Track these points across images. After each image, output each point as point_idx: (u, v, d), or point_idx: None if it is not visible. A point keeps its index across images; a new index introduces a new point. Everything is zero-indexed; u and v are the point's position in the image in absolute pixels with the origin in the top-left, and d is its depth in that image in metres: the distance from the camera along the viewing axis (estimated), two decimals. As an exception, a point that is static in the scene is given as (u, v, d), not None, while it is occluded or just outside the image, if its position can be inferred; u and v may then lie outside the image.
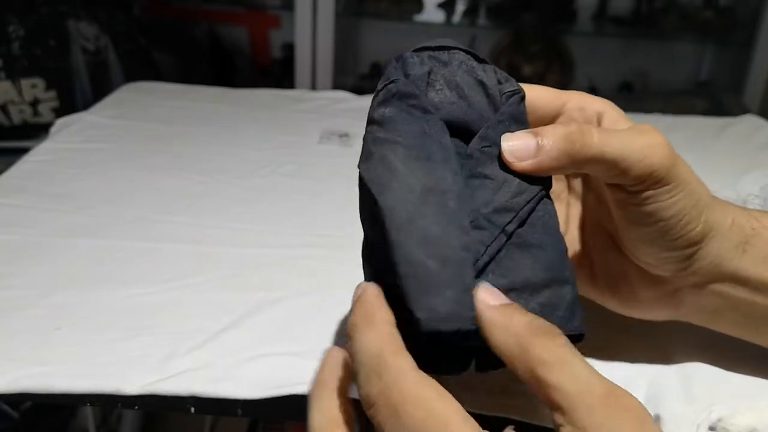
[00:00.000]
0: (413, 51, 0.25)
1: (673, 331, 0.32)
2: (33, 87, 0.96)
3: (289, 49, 1.26)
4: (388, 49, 1.32)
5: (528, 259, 0.23)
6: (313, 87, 1.16)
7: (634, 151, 0.24)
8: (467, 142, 0.24)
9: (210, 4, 1.33)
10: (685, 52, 1.34)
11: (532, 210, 0.24)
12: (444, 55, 0.25)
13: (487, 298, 0.20)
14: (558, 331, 0.19)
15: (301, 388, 0.29)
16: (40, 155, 0.52)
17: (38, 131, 0.91)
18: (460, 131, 0.24)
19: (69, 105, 0.97)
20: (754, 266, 0.26)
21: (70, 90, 0.99)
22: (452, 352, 0.22)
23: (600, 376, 0.18)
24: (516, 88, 0.25)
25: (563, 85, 1.29)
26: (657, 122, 0.66)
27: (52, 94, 0.97)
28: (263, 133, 0.59)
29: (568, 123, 0.25)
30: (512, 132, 0.24)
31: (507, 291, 0.22)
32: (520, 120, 0.25)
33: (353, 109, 0.66)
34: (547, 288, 0.23)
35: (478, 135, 0.24)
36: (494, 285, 0.21)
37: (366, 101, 0.68)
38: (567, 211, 0.31)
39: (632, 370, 0.30)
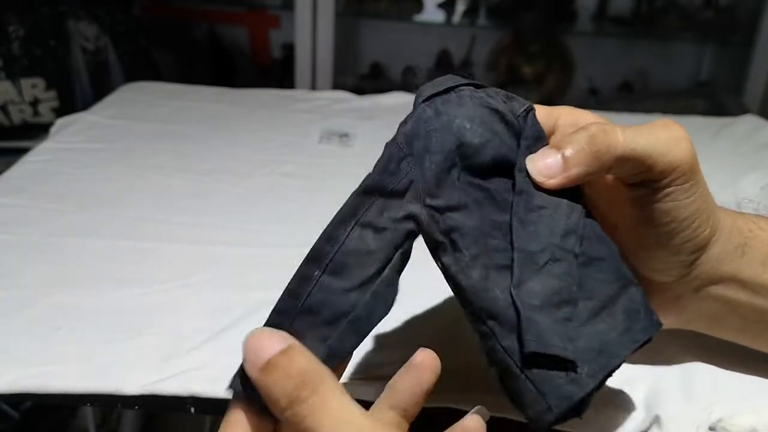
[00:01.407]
0: (423, 103, 0.24)
1: (673, 332, 0.32)
2: (33, 87, 0.96)
3: (289, 49, 1.26)
4: (388, 49, 1.32)
5: (599, 273, 0.24)
6: (313, 87, 1.16)
7: (659, 146, 0.24)
8: (505, 175, 0.24)
9: (210, 4, 1.33)
10: (685, 52, 1.34)
11: (584, 224, 0.24)
12: (454, 97, 0.24)
13: (256, 356, 0.20)
14: (307, 389, 0.19)
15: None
16: (40, 155, 0.52)
17: (38, 131, 0.91)
18: (499, 166, 0.24)
19: (69, 105, 0.97)
20: (752, 268, 0.27)
21: (70, 90, 0.99)
22: None
23: (348, 421, 0.18)
24: (526, 105, 0.25)
25: (563, 85, 1.29)
26: (657, 122, 0.66)
27: (52, 94, 0.97)
28: (263, 133, 0.59)
29: (587, 126, 0.24)
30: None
31: (600, 311, 0.23)
32: (540, 137, 0.25)
33: (353, 109, 0.66)
34: (622, 295, 0.24)
35: (516, 168, 0.24)
36: (587, 309, 0.23)
37: (366, 101, 0.69)
38: None
39: (632, 371, 0.30)
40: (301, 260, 0.23)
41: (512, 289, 0.22)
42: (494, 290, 0.22)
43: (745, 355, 0.30)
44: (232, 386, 0.21)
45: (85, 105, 0.77)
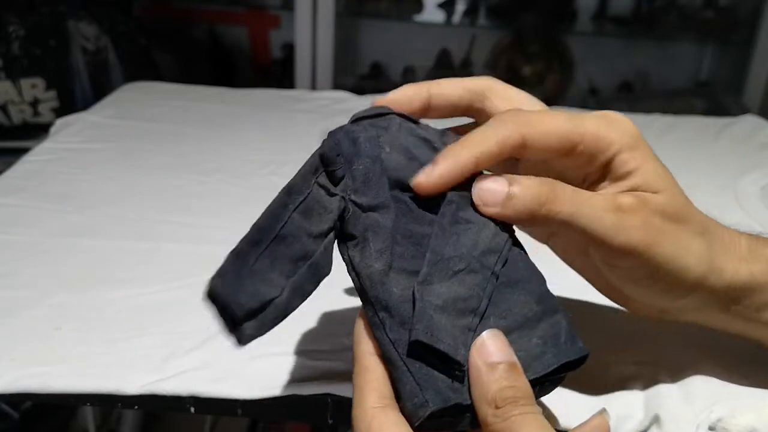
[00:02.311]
0: (351, 122, 0.25)
1: (674, 332, 0.32)
2: (33, 87, 0.96)
3: (289, 49, 1.26)
4: (388, 49, 1.32)
5: (520, 294, 0.23)
6: (313, 87, 1.16)
7: (606, 228, 0.23)
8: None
9: (210, 4, 1.33)
10: (685, 52, 1.34)
11: (510, 248, 0.24)
12: (382, 121, 0.25)
13: (490, 353, 0.21)
14: (522, 400, 0.21)
15: (301, 388, 0.29)
16: (40, 155, 0.52)
17: (38, 131, 0.91)
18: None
19: (69, 105, 0.97)
20: (747, 314, 0.26)
21: (70, 90, 0.99)
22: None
23: None
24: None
25: (563, 85, 1.29)
26: (657, 122, 0.66)
27: (52, 94, 0.97)
28: (263, 133, 0.59)
29: (543, 181, 0.23)
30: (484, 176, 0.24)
31: (511, 331, 0.23)
32: None
33: (353, 109, 0.65)
34: (543, 320, 0.23)
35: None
36: (497, 327, 0.22)
37: (366, 101, 0.69)
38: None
39: (632, 371, 0.30)
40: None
41: (416, 284, 0.22)
42: (392, 287, 0.22)
43: (744, 354, 0.30)
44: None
45: (85, 105, 0.77)
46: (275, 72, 1.32)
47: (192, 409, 0.29)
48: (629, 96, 1.30)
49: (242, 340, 0.22)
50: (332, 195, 0.24)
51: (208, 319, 0.34)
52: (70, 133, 0.56)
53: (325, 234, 0.23)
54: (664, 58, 1.31)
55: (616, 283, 0.26)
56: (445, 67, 1.30)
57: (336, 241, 0.24)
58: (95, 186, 0.48)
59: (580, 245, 0.27)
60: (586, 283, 0.29)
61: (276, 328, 0.35)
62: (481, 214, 0.24)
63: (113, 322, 0.33)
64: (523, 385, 0.21)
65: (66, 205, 0.45)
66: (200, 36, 1.34)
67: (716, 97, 1.20)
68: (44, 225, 0.42)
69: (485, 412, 0.21)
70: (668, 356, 0.31)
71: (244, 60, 1.35)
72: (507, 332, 0.22)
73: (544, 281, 0.24)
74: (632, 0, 1.28)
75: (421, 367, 0.22)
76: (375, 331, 0.23)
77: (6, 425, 0.58)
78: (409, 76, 1.30)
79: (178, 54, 1.25)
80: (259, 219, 0.24)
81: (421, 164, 0.24)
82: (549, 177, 0.24)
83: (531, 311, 0.23)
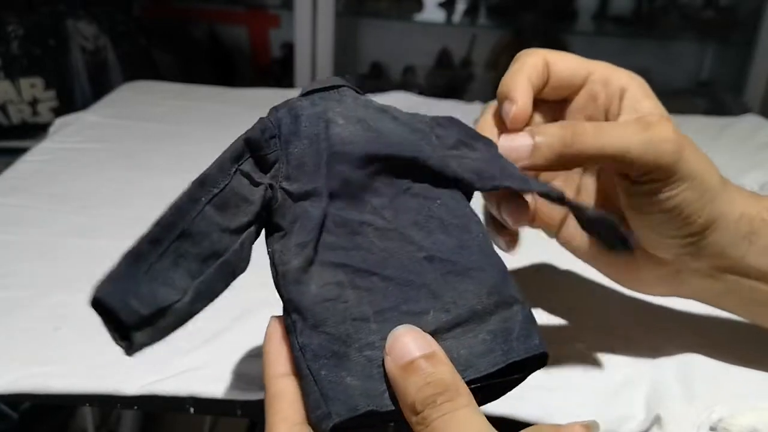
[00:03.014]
0: (301, 95, 0.23)
1: (675, 332, 0.32)
2: (32, 87, 0.96)
3: (288, 48, 1.26)
4: (388, 48, 1.32)
5: (469, 284, 0.21)
6: (313, 87, 1.15)
7: (634, 147, 0.24)
8: (394, 171, 0.22)
9: (210, 4, 1.33)
10: (686, 51, 1.34)
11: (467, 230, 0.22)
12: (335, 95, 0.23)
13: (400, 353, 0.19)
14: (444, 396, 0.18)
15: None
16: (39, 155, 0.52)
17: (37, 131, 0.91)
18: (379, 161, 0.22)
19: (68, 104, 0.97)
20: (759, 257, 0.26)
21: (69, 89, 0.99)
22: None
23: None
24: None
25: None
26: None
27: (51, 93, 0.97)
28: (263, 132, 0.58)
29: (563, 123, 0.25)
30: (475, 150, 0.23)
31: (454, 327, 0.20)
32: (469, 139, 0.24)
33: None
34: (495, 313, 0.21)
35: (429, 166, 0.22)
36: (437, 322, 0.20)
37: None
38: (580, 181, 0.30)
39: (633, 370, 0.30)
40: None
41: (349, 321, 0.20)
42: (310, 284, 0.20)
43: (746, 354, 0.30)
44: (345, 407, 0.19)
45: (84, 105, 0.77)
46: (275, 71, 1.32)
47: (191, 410, 0.29)
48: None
49: (131, 349, 0.20)
50: (257, 184, 0.22)
51: (208, 319, 0.34)
52: (69, 133, 0.56)
53: (244, 228, 0.21)
54: (665, 57, 1.31)
55: (640, 223, 0.26)
56: (445, 66, 1.30)
57: (264, 233, 0.22)
58: (94, 186, 0.48)
59: (612, 184, 0.28)
60: (586, 284, 0.29)
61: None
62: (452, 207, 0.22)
63: (112, 323, 0.33)
64: (443, 376, 0.19)
65: (65, 204, 0.45)
66: (200, 36, 1.34)
67: (717, 96, 1.20)
68: (43, 225, 0.42)
69: (410, 420, 0.19)
70: (669, 356, 0.31)
71: (244, 59, 1.35)
72: (449, 327, 0.20)
73: (504, 269, 0.22)
74: (633, 0, 1.28)
75: (329, 374, 0.19)
76: (290, 335, 0.21)
77: (5, 426, 0.58)
78: (409, 75, 1.30)
79: (178, 54, 1.25)
80: (162, 214, 0.22)
81: (381, 134, 0.22)
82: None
83: (480, 303, 0.21)
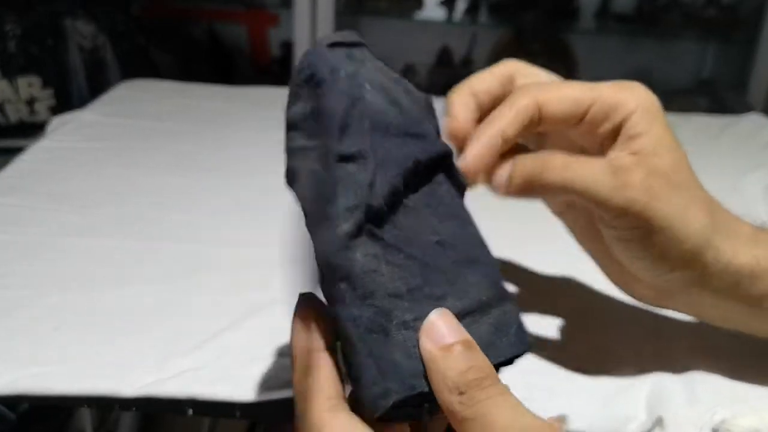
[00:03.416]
0: (327, 46, 0.22)
1: (677, 334, 0.32)
2: (29, 85, 0.96)
3: (288, 47, 1.26)
4: (388, 47, 1.32)
5: (476, 276, 0.21)
6: (313, 85, 1.15)
7: (602, 188, 0.24)
8: (411, 148, 0.22)
9: (209, 3, 1.32)
10: (688, 50, 1.33)
11: (467, 221, 0.23)
12: (358, 53, 0.22)
13: (442, 335, 0.20)
14: (487, 380, 0.19)
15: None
16: (36, 154, 0.52)
17: (34, 130, 0.90)
18: (405, 136, 0.22)
19: (65, 103, 0.97)
20: (748, 296, 0.26)
21: (67, 88, 0.99)
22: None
23: (520, 423, 0.19)
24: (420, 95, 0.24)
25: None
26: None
27: (49, 92, 0.97)
28: (262, 131, 0.58)
29: (538, 155, 0.25)
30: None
31: (465, 315, 0.21)
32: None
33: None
34: (495, 306, 0.21)
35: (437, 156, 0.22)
36: (455, 309, 0.20)
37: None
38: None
39: (635, 373, 0.30)
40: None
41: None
42: (356, 252, 0.20)
43: (748, 356, 0.30)
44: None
45: (81, 103, 0.76)
46: (274, 70, 1.32)
47: (190, 412, 0.29)
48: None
49: None
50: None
51: (208, 320, 0.33)
52: (67, 132, 0.56)
53: None
54: (667, 56, 1.31)
55: (617, 252, 0.26)
56: (445, 65, 1.30)
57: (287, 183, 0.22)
58: (92, 185, 0.47)
59: (587, 219, 0.28)
60: (589, 286, 0.29)
61: (275, 330, 0.34)
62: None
63: (111, 323, 0.33)
64: (484, 363, 0.19)
65: (62, 204, 0.44)
66: (199, 35, 1.34)
67: (719, 95, 1.20)
68: (41, 224, 0.42)
69: (449, 400, 0.19)
70: (671, 358, 0.31)
71: (243, 58, 1.35)
72: (463, 315, 0.20)
73: (496, 263, 0.23)
74: (634, -2, 1.27)
75: (382, 350, 0.19)
76: (335, 305, 0.20)
77: (3, 427, 0.58)
78: (409, 74, 1.30)
79: (177, 53, 1.25)
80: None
81: (402, 110, 0.22)
82: (571, 152, 0.25)
83: (485, 295, 0.21)
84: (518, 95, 0.25)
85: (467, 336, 0.20)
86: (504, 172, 0.25)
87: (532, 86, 0.26)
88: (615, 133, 0.25)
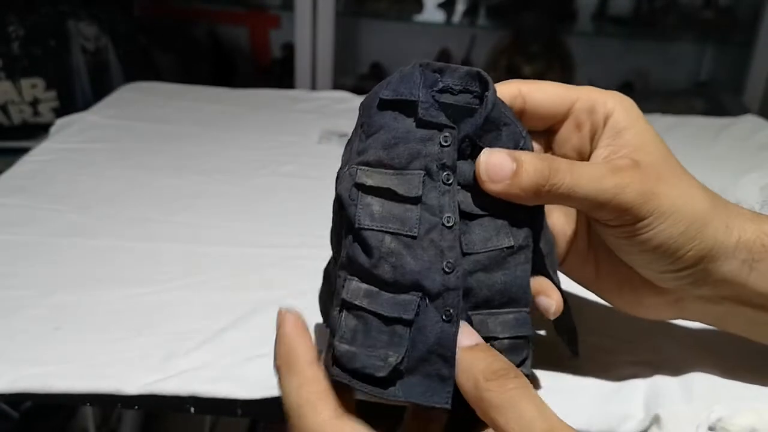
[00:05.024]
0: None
1: (674, 333, 0.32)
2: (33, 87, 0.96)
3: (289, 49, 1.26)
4: (388, 49, 1.32)
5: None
6: (313, 87, 1.16)
7: (603, 192, 0.24)
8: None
9: (210, 4, 1.33)
10: (685, 52, 1.34)
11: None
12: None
13: (462, 339, 0.22)
14: (513, 373, 0.21)
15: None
16: (39, 155, 0.52)
17: (38, 131, 0.91)
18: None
19: (69, 105, 0.97)
20: (761, 282, 0.26)
21: (70, 90, 0.99)
22: None
23: (546, 416, 0.20)
24: (487, 86, 0.24)
25: (563, 85, 1.29)
26: (657, 122, 0.66)
27: (52, 94, 0.97)
28: (263, 133, 0.59)
29: (541, 156, 0.24)
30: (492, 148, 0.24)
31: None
32: (497, 124, 0.24)
33: (353, 109, 0.65)
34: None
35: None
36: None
37: (366, 101, 0.69)
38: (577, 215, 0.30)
39: (633, 371, 0.30)
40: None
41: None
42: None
43: (745, 354, 0.30)
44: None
45: (85, 105, 0.77)
46: (275, 72, 1.32)
47: (192, 410, 0.29)
48: (629, 96, 1.30)
49: None
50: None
51: (208, 319, 0.34)
52: (70, 134, 0.56)
53: None
54: (664, 58, 1.31)
55: (627, 255, 0.26)
56: (445, 67, 1.30)
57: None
58: (95, 186, 0.48)
59: (583, 254, 0.28)
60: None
61: (275, 329, 0.35)
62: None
63: (113, 322, 0.33)
64: (509, 364, 0.21)
65: (66, 205, 0.45)
66: (200, 36, 1.34)
67: (716, 97, 1.20)
68: (44, 225, 0.42)
69: (477, 387, 0.21)
70: (669, 356, 0.31)
71: (244, 60, 1.35)
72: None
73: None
74: (632, 0, 1.28)
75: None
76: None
77: (6, 425, 0.58)
78: (409, 76, 1.30)
79: (178, 54, 1.25)
80: None
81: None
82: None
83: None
84: (502, 84, 0.25)
85: (482, 341, 0.22)
86: (507, 163, 0.23)
87: (514, 80, 0.26)
88: (598, 129, 0.26)
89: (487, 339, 0.23)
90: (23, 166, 0.50)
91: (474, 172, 0.23)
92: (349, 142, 0.26)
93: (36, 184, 0.47)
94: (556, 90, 0.26)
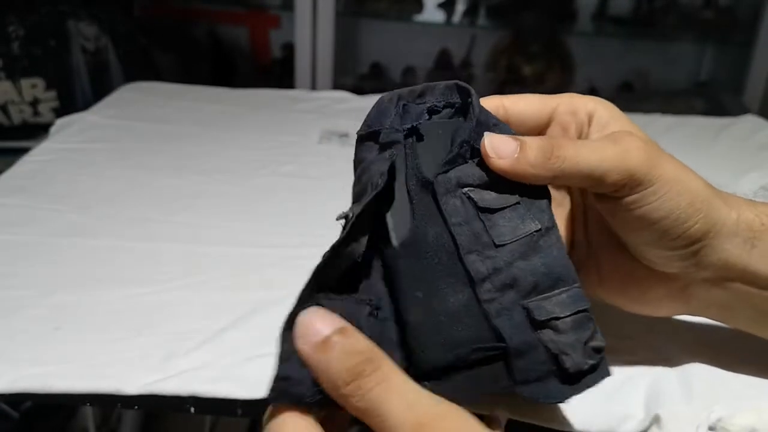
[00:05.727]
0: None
1: (674, 332, 0.32)
2: (33, 87, 0.96)
3: (289, 49, 1.26)
4: (388, 49, 1.32)
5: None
6: (313, 87, 1.16)
7: (607, 159, 0.24)
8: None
9: (210, 4, 1.33)
10: (685, 52, 1.34)
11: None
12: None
13: (312, 333, 0.19)
14: (370, 366, 0.19)
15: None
16: (39, 155, 0.52)
17: (38, 131, 0.91)
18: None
19: (69, 105, 0.97)
20: (763, 262, 0.26)
21: (70, 90, 0.99)
22: None
23: (416, 407, 0.18)
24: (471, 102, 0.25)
25: (563, 85, 1.29)
26: (657, 122, 0.66)
27: (52, 94, 0.97)
28: (263, 133, 0.59)
29: (543, 137, 0.25)
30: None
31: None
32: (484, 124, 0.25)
33: (353, 109, 0.66)
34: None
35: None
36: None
37: (366, 101, 0.69)
38: (571, 214, 0.30)
39: (632, 371, 0.30)
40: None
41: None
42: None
43: (745, 354, 0.30)
44: (271, 396, 0.20)
45: (85, 105, 0.77)
46: (275, 72, 1.32)
47: (192, 410, 0.29)
48: (629, 96, 1.30)
49: None
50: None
51: (208, 319, 0.34)
52: (70, 134, 0.56)
53: None
54: (664, 58, 1.31)
55: (628, 234, 0.26)
56: (445, 67, 1.30)
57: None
58: (95, 186, 0.48)
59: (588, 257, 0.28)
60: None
61: (275, 329, 0.35)
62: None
63: (113, 322, 0.33)
64: (363, 346, 0.19)
65: (66, 205, 0.45)
66: (200, 36, 1.34)
67: (716, 97, 1.20)
68: (44, 225, 0.42)
69: (339, 393, 0.19)
70: (669, 356, 0.31)
71: (244, 60, 1.35)
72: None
73: None
74: (632, 0, 1.28)
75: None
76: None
77: (6, 425, 0.58)
78: (409, 76, 1.30)
79: (178, 54, 1.25)
80: None
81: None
82: None
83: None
84: (483, 99, 0.26)
85: (341, 324, 0.19)
86: (512, 140, 0.24)
87: (497, 95, 0.27)
88: (584, 127, 0.27)
89: (549, 320, 0.23)
90: (23, 166, 0.50)
91: (478, 171, 0.24)
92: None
93: (36, 184, 0.47)
94: (536, 98, 0.27)
